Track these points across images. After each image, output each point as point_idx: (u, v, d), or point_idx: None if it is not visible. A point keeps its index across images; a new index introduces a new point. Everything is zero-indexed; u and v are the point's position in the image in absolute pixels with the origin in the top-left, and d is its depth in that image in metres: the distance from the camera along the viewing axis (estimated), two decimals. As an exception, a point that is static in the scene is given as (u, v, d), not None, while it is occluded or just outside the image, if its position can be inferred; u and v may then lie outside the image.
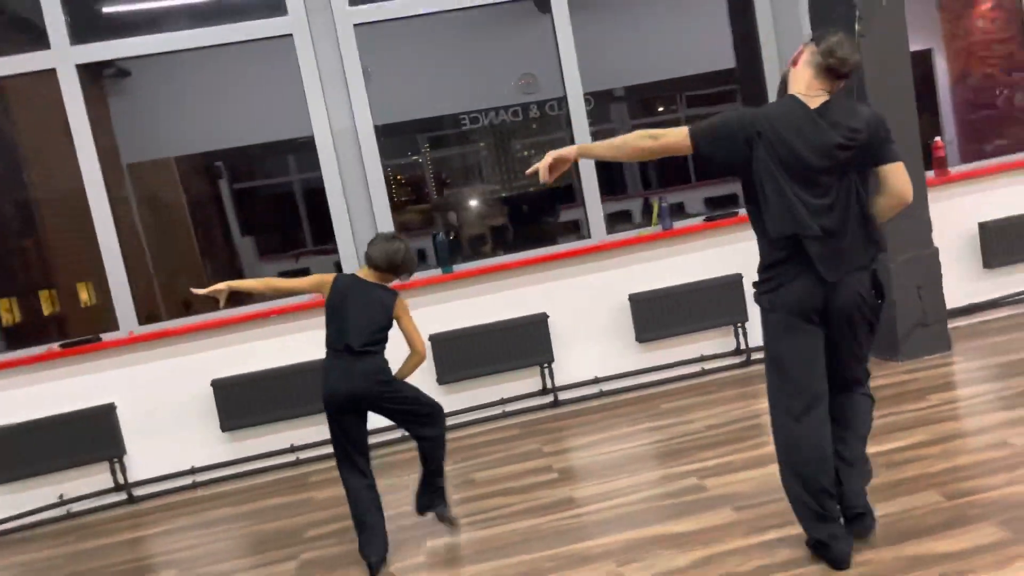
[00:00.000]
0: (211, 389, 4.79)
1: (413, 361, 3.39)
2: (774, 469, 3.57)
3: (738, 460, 3.80)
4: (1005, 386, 4.16)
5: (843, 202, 2.58)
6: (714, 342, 5.30)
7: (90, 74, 4.94)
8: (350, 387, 3.22)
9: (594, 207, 5.32)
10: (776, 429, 2.72)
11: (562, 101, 5.33)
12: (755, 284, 2.70)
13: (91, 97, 4.92)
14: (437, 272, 5.09)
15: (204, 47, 4.95)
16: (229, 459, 4.88)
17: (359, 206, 5.10)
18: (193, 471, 4.86)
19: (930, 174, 5.41)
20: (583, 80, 5.24)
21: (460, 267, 5.14)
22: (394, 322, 3.32)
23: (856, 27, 4.69)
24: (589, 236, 5.33)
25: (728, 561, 2.85)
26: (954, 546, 2.67)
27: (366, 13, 5.02)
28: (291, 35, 4.95)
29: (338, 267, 5.18)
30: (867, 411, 2.80)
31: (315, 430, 4.93)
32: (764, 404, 4.58)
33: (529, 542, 3.32)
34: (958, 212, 5.41)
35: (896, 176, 2.62)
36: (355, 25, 5.00)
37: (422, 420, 3.42)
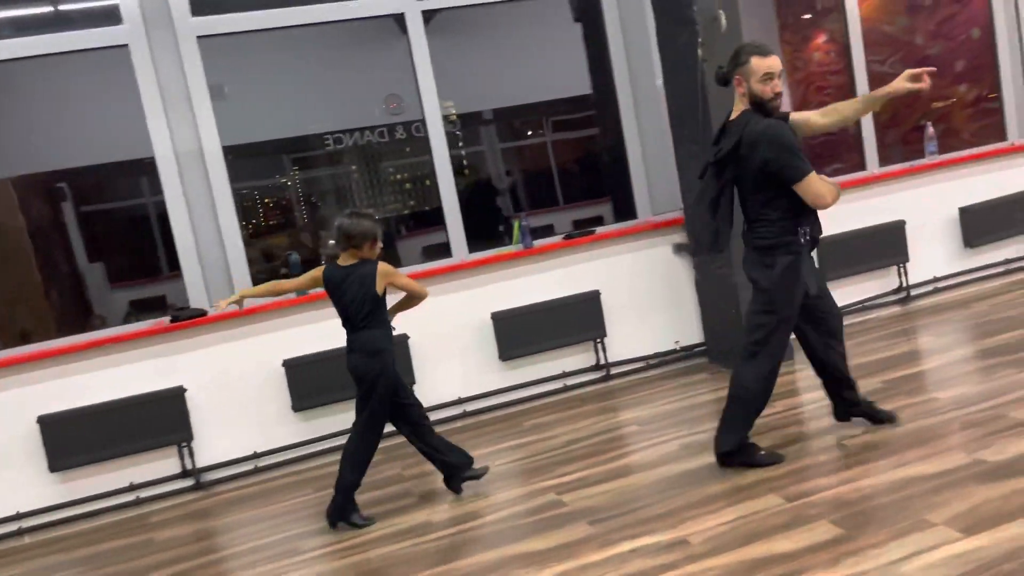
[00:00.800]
0: (37, 427, 4.38)
1: (413, 302, 3.76)
2: (630, 481, 3.66)
3: (596, 473, 3.82)
4: (840, 391, 4.41)
5: (715, 200, 3.35)
6: (575, 358, 5.35)
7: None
8: (352, 365, 3.62)
9: (455, 226, 5.28)
10: None
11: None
12: None
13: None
14: (291, 295, 4.89)
15: (34, 56, 4.58)
16: (59, 502, 4.47)
17: (207, 233, 4.83)
18: (19, 516, 4.42)
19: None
20: (456, 101, 5.23)
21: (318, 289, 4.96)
22: (386, 289, 3.58)
23: (699, 52, 4.90)
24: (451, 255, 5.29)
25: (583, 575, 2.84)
26: (792, 546, 2.77)
27: (210, 25, 4.80)
28: (127, 46, 4.66)
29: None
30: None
31: (156, 466, 4.60)
32: (623, 416, 4.70)
33: (385, 569, 3.19)
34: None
35: (803, 193, 3.19)
36: (198, 37, 4.77)
37: (376, 428, 3.66)
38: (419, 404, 3.81)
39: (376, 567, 3.24)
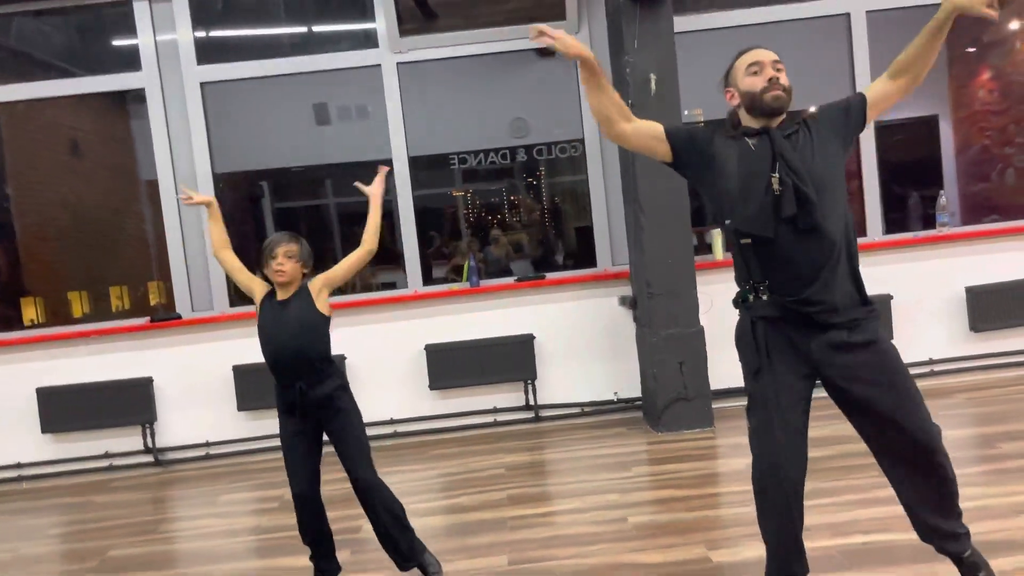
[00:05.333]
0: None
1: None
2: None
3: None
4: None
5: None
6: (507, 396, 5.60)
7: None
8: None
9: (412, 259, 5.72)
10: None
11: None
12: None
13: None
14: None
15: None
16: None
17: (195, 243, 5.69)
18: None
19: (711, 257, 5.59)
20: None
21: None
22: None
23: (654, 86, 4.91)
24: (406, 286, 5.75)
25: None
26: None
27: (212, 73, 5.64)
28: (143, 89, 5.60)
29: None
30: None
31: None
32: (506, 459, 4.87)
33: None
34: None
35: None
36: (202, 84, 5.62)
37: None
38: None
39: (185, 555, 3.80)
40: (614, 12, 5.12)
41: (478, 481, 4.50)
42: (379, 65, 5.67)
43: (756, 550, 3.14)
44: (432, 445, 5.37)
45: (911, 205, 6.51)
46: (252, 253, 6.38)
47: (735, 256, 2.53)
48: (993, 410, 4.82)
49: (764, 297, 2.45)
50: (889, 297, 5.51)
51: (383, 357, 5.54)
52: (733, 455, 4.53)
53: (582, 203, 5.95)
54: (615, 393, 5.61)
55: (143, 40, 5.56)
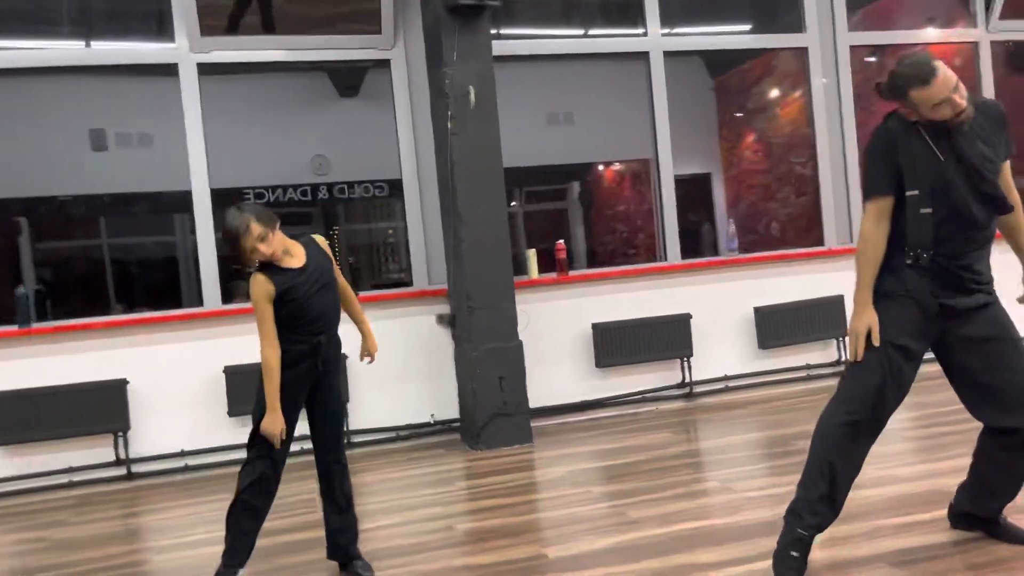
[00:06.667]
0: None
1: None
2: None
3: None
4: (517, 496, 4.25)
5: None
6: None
7: None
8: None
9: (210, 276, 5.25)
10: None
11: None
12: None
13: None
14: (14, 328, 4.84)
15: None
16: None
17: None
18: None
19: (552, 274, 5.67)
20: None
21: (42, 324, 4.92)
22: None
23: (449, 125, 4.93)
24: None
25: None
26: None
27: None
28: None
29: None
30: None
31: None
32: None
33: None
34: (575, 312, 5.64)
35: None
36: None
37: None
38: None
39: None
40: (433, 24, 5.09)
41: (280, 507, 4.09)
42: (176, 64, 5.23)
43: (591, 544, 3.08)
44: (229, 478, 4.83)
45: (703, 232, 7.00)
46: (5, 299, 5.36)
47: (909, 224, 2.62)
48: (785, 417, 5.17)
49: (926, 256, 2.62)
50: (688, 316, 5.81)
51: (171, 381, 4.98)
52: (554, 465, 4.48)
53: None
54: (432, 415, 5.41)
55: None
